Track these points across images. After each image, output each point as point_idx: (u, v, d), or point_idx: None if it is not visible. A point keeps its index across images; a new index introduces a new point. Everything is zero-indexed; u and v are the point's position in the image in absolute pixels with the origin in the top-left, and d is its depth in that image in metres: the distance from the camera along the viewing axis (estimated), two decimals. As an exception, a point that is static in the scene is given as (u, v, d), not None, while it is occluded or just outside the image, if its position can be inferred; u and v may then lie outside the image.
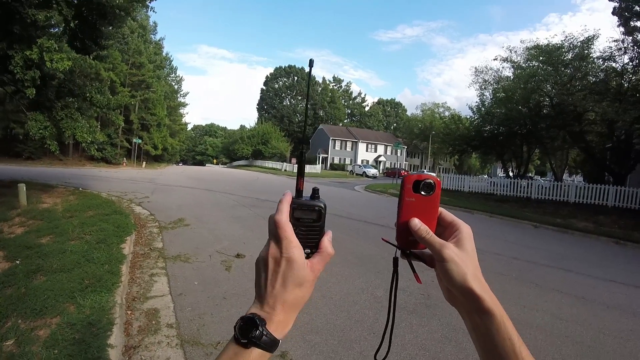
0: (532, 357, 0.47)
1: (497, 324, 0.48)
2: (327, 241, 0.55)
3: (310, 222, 0.55)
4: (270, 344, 0.48)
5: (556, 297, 4.54)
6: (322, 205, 0.55)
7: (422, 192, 0.54)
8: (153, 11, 10.11)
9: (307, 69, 0.54)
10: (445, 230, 0.56)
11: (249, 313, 0.50)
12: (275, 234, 0.52)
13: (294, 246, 0.51)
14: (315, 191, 0.57)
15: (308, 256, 0.54)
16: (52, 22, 8.76)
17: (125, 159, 37.79)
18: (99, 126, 9.83)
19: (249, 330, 0.48)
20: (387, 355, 0.61)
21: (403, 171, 45.00)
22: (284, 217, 0.52)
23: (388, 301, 0.61)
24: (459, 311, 0.53)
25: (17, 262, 4.40)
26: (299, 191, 0.57)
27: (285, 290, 0.51)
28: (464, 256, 0.51)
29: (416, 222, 0.54)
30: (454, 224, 0.55)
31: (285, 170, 44.02)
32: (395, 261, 0.59)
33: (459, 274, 0.49)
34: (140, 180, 18.41)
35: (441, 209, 0.56)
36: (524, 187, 17.94)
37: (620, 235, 9.43)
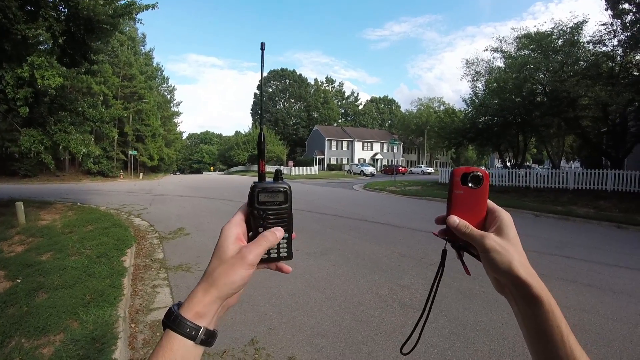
0: (580, 347, 0.46)
1: (545, 311, 0.47)
2: (267, 231, 0.52)
3: (277, 204, 0.53)
4: (182, 326, 0.46)
5: (562, 285, 4.53)
6: (287, 186, 0.54)
7: (470, 185, 0.54)
8: (141, 23, 10.00)
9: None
10: (485, 218, 0.56)
11: None
12: None
13: (230, 221, 0.53)
14: (278, 172, 0.55)
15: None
16: (41, 39, 8.70)
17: (122, 171, 37.72)
18: (93, 139, 9.69)
19: None
20: (414, 348, 0.61)
21: (401, 167, 45.11)
22: (244, 204, 0.54)
23: (428, 294, 0.60)
24: (508, 299, 0.53)
25: (18, 280, 4.37)
26: (261, 175, 0.55)
27: (210, 263, 0.50)
28: (507, 244, 0.50)
29: (454, 219, 0.54)
30: (494, 211, 0.56)
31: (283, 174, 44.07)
32: (444, 254, 0.59)
33: (503, 262, 0.49)
34: (138, 192, 18.36)
35: None
36: (522, 176, 17.93)
37: (621, 219, 9.42)
